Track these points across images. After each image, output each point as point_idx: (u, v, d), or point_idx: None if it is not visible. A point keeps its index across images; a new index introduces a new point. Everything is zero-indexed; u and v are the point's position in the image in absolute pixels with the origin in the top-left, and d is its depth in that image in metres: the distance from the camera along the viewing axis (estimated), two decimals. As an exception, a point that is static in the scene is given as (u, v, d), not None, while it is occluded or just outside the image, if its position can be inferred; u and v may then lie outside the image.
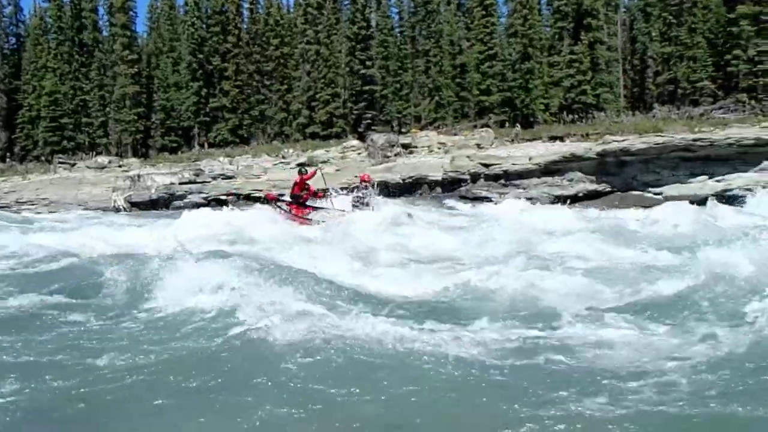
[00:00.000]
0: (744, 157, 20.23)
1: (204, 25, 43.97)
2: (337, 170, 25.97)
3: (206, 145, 41.11)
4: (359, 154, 29.58)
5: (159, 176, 27.96)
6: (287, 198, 16.80)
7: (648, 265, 8.68)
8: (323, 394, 4.53)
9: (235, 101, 42.15)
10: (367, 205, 15.84)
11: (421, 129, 34.86)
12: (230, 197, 22.98)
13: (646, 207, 17.52)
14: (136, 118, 43.36)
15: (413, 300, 7.29)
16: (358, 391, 4.57)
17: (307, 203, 16.45)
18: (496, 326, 6.13)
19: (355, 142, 31.50)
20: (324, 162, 26.94)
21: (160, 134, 44.64)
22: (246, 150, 34.88)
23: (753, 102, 30.72)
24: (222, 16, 43.31)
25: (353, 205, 15.96)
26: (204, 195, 25.60)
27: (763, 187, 19.07)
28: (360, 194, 16.16)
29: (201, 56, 42.80)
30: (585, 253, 9.67)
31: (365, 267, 9.37)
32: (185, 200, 25.49)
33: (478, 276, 7.85)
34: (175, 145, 43.16)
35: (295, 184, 16.71)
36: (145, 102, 44.94)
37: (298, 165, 18.57)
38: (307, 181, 16.76)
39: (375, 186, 16.99)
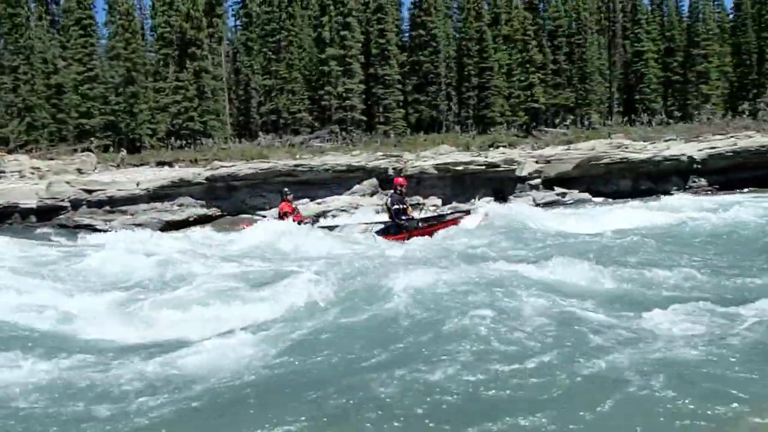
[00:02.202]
0: (338, 181, 22.47)
1: None
2: None
3: None
4: (-67, 182, 24.77)
5: None
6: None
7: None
8: None
9: None
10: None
11: (9, 152, 30.79)
12: None
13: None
14: None
15: None
16: None
17: None
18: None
19: (-74, 169, 26.25)
20: None
21: None
22: None
23: (344, 133, 34.52)
24: None
25: (393, 217, 14.15)
26: None
27: (355, 208, 21.42)
28: (397, 201, 14.28)
29: None
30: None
31: None
32: None
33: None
34: None
35: (294, 210, 15.71)
36: None
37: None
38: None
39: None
